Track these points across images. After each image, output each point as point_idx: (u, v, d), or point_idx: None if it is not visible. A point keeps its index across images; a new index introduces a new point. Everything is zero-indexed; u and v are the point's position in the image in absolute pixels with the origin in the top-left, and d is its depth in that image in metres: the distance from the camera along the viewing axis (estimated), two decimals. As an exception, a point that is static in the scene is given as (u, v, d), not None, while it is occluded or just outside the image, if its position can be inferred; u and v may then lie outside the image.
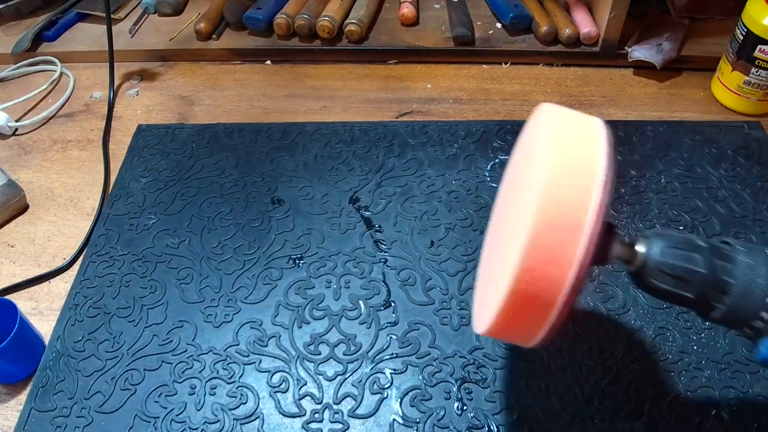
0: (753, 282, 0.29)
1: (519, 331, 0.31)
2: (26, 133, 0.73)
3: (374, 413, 0.47)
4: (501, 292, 0.30)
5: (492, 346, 0.50)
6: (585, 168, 0.29)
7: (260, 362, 0.50)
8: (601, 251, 0.31)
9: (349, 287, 0.55)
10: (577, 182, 0.28)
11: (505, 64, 0.80)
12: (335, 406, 0.47)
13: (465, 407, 0.47)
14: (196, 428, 0.46)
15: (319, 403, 0.48)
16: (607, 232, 0.33)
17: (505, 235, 0.35)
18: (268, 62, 0.82)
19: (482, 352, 0.50)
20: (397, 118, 0.73)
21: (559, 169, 0.28)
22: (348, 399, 0.48)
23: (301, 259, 0.57)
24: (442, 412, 0.47)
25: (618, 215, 0.60)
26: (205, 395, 0.48)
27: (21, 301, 0.55)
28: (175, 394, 0.48)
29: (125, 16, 0.88)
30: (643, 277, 0.32)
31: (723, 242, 0.32)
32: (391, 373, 0.49)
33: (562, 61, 0.80)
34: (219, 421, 0.47)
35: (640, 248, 0.33)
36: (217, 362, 0.50)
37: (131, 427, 0.46)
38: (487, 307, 0.33)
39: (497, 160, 0.65)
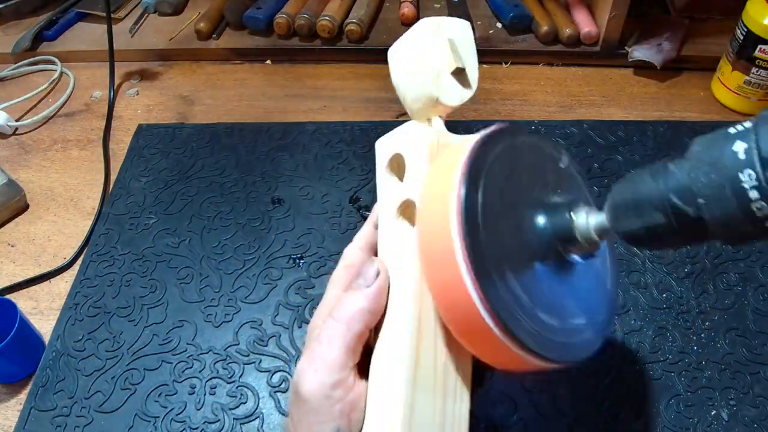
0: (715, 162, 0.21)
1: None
2: (26, 132, 0.73)
3: (374, 413, 0.47)
4: None
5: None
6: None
7: (260, 362, 0.50)
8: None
9: (349, 287, 0.55)
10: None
11: (506, 63, 0.80)
12: (335, 406, 0.47)
13: (465, 407, 0.47)
14: (196, 428, 0.46)
15: (319, 403, 0.47)
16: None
17: None
18: (269, 62, 0.82)
19: (482, 352, 0.50)
20: (397, 117, 0.73)
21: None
22: (348, 399, 0.48)
23: (301, 258, 0.57)
24: (442, 412, 0.47)
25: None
26: (205, 395, 0.48)
27: (21, 300, 0.55)
28: (175, 393, 0.48)
29: (125, 16, 0.88)
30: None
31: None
32: (391, 373, 0.49)
33: (563, 61, 0.80)
34: (219, 420, 0.47)
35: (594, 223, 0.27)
36: (217, 362, 0.50)
37: (131, 427, 0.46)
38: None
39: (497, 160, 0.65)
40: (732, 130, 0.21)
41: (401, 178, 0.33)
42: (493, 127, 0.29)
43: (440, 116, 0.33)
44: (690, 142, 0.22)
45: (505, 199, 0.27)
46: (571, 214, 0.28)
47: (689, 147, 0.22)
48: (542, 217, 0.28)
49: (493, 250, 0.26)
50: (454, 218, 0.25)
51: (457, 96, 0.33)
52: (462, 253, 0.25)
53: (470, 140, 0.28)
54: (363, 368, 0.30)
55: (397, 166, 0.34)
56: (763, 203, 0.19)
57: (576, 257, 0.29)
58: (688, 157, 0.22)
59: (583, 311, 0.30)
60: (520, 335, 0.25)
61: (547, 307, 0.27)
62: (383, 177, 0.34)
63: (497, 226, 0.26)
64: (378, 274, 0.30)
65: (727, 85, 0.72)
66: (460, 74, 0.33)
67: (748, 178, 0.19)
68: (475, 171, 0.26)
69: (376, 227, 0.34)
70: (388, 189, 0.33)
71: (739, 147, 0.20)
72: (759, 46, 0.66)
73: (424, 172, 0.31)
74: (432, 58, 0.32)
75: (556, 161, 0.31)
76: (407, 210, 0.32)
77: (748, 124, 0.21)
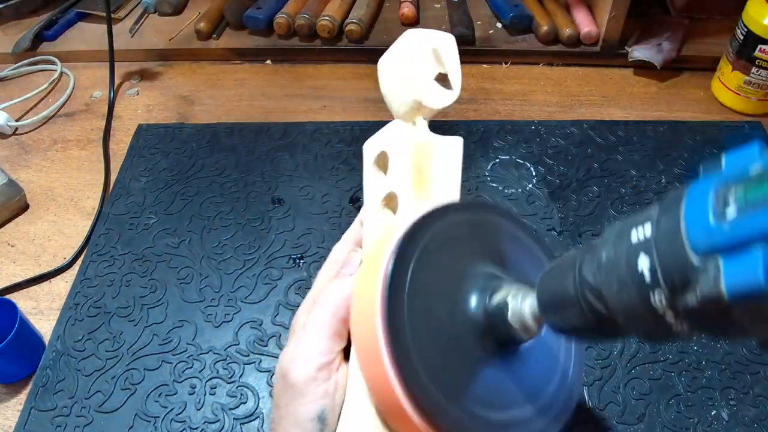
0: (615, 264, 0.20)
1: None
2: (26, 132, 0.73)
3: (374, 413, 0.47)
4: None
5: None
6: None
7: (260, 362, 0.50)
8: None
9: (349, 287, 0.55)
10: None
11: (506, 63, 0.80)
12: (335, 406, 0.47)
13: (465, 407, 0.47)
14: (196, 428, 0.46)
15: (319, 403, 0.48)
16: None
17: None
18: (268, 62, 0.82)
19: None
20: (397, 117, 0.73)
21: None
22: (348, 399, 0.48)
23: (301, 258, 0.57)
24: (442, 412, 0.47)
25: (618, 215, 0.60)
26: (205, 395, 0.48)
27: (21, 300, 0.55)
28: (175, 393, 0.48)
29: (125, 16, 0.88)
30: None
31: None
32: (391, 373, 0.49)
33: (563, 61, 0.80)
34: (219, 420, 0.47)
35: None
36: (217, 362, 0.50)
37: (131, 427, 0.47)
38: None
39: (497, 160, 0.65)
40: (634, 237, 0.19)
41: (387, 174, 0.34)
42: (431, 208, 0.29)
43: (424, 118, 0.35)
44: (602, 234, 0.21)
45: (436, 285, 0.27)
46: (507, 297, 0.26)
47: (600, 242, 0.21)
48: (475, 301, 0.27)
49: (418, 343, 0.25)
50: (378, 313, 0.25)
51: (440, 99, 0.34)
52: (385, 349, 0.25)
53: (404, 224, 0.28)
54: (348, 350, 0.30)
55: (383, 165, 0.35)
56: (680, 322, 0.19)
57: (520, 340, 0.27)
58: (599, 262, 0.21)
59: (530, 400, 0.28)
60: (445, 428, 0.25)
61: (484, 398, 0.26)
62: (369, 174, 0.36)
63: (425, 315, 0.26)
64: (361, 263, 0.30)
65: (727, 85, 0.72)
66: (444, 80, 0.34)
67: (659, 301, 0.18)
68: (403, 259, 0.26)
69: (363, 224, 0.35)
70: (373, 185, 0.35)
71: (644, 264, 0.19)
72: (759, 46, 0.66)
73: (407, 166, 0.32)
74: (417, 64, 0.33)
75: (505, 235, 0.31)
76: (391, 202, 0.33)
77: (648, 229, 0.19)
